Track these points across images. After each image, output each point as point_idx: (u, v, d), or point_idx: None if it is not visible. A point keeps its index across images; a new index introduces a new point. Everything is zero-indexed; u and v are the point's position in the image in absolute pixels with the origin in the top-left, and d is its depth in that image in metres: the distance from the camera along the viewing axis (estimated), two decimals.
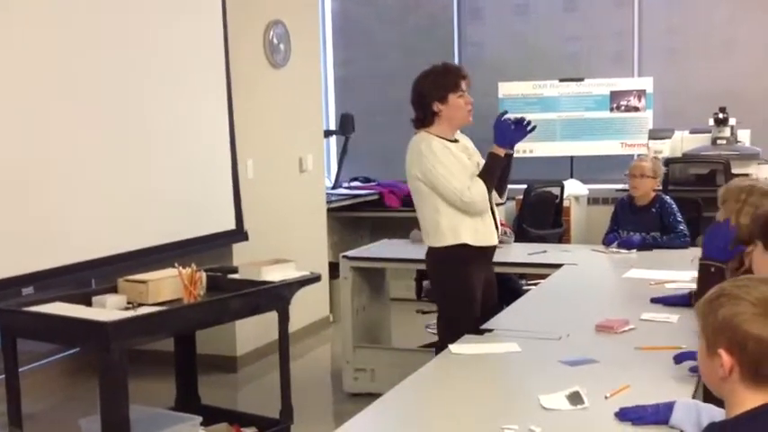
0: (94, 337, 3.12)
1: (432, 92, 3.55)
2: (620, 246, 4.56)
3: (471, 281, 3.55)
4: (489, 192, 3.53)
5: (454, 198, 3.47)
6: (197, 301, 3.51)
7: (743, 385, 1.57)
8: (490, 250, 3.66)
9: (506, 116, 3.57)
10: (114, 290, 3.55)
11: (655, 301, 3.34)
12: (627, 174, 4.88)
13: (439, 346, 3.59)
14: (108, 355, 3.06)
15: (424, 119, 3.58)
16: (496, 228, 3.63)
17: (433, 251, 3.62)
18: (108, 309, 3.32)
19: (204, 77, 5.00)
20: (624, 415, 2.09)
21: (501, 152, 3.53)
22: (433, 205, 3.53)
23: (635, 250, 4.50)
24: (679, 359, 2.62)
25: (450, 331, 3.57)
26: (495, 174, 3.55)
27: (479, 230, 3.54)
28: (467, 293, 3.55)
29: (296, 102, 6.02)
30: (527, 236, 5.70)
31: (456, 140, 3.63)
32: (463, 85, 3.57)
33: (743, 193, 2.93)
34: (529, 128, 3.55)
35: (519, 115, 3.64)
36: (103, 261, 4.17)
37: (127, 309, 3.37)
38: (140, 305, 3.40)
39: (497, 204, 3.70)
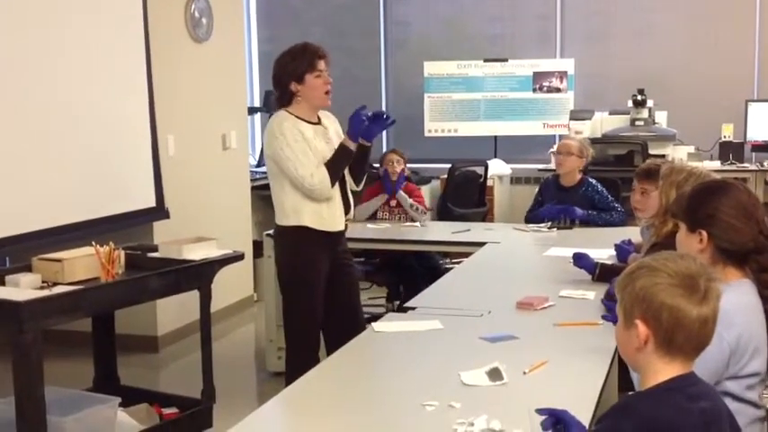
0: (7, 317, 3.03)
1: (289, 71, 3.52)
2: (564, 214, 4.59)
3: (309, 261, 3.54)
4: (334, 180, 3.50)
5: (297, 182, 3.46)
6: (114, 280, 3.44)
7: (657, 356, 1.62)
8: (334, 235, 3.61)
9: (363, 111, 3.54)
10: (29, 269, 3.45)
11: (576, 257, 3.43)
12: (552, 151, 4.93)
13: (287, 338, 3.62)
14: (22, 335, 2.98)
15: (283, 98, 3.56)
16: (348, 211, 3.64)
17: (276, 228, 3.65)
18: (22, 288, 3.22)
19: (123, 51, 4.86)
20: None
21: (351, 145, 3.52)
22: (280, 184, 3.54)
23: (556, 228, 4.57)
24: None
25: (289, 314, 3.60)
26: (342, 164, 3.54)
27: (323, 215, 3.53)
28: (303, 274, 3.54)
29: (219, 77, 5.91)
30: (451, 214, 5.75)
31: (318, 122, 3.60)
32: (321, 64, 3.53)
33: (683, 173, 2.94)
34: (389, 122, 3.62)
35: (378, 110, 3.69)
36: (17, 239, 4.03)
37: (42, 288, 3.28)
38: (56, 284, 3.31)
39: (353, 192, 3.72)
